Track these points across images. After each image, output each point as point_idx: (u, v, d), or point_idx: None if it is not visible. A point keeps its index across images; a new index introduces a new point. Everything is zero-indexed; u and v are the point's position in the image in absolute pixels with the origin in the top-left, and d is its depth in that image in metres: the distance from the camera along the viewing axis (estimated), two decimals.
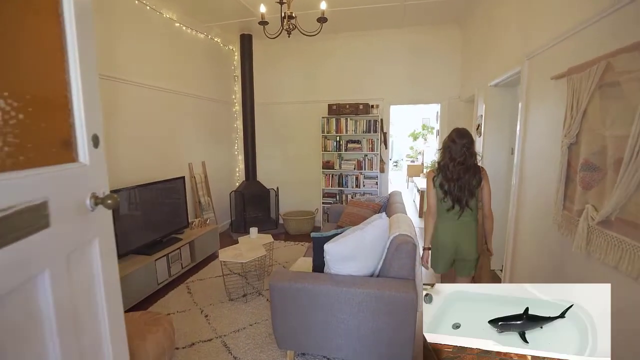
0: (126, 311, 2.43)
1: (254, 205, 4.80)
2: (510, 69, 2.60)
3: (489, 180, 1.87)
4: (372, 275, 1.83)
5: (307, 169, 5.02)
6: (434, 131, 6.36)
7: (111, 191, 2.46)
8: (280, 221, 4.88)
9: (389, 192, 3.37)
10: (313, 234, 1.91)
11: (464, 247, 1.90)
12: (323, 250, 1.74)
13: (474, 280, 2.05)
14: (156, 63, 3.43)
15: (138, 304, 2.61)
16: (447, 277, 2.14)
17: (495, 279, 2.98)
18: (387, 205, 2.96)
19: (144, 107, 3.29)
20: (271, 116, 5.07)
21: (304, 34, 2.42)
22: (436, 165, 1.93)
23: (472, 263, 1.94)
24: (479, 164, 1.87)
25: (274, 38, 2.47)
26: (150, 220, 3.03)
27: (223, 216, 4.83)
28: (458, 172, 1.80)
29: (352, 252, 1.71)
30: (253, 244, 2.97)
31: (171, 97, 3.67)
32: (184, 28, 3.85)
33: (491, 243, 1.99)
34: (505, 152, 3.14)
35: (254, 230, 3.18)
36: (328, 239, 1.86)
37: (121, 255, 2.63)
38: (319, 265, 1.90)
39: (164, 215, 3.23)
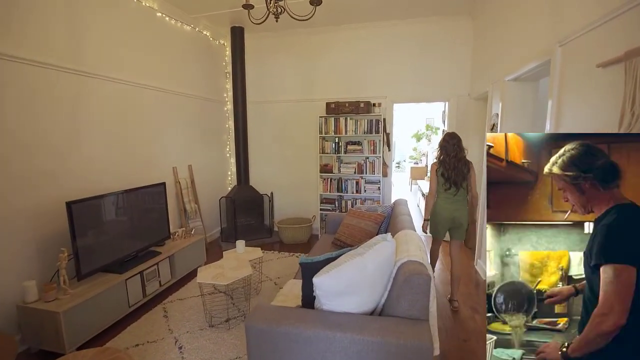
0: (83, 345, 2.10)
1: (246, 211, 4.45)
2: (533, 60, 2.24)
3: (474, 170, 2.58)
4: (373, 312, 1.47)
5: (304, 173, 4.66)
6: (439, 132, 6.00)
7: (75, 201, 2.11)
8: (275, 229, 4.53)
9: (393, 201, 3.01)
10: (301, 260, 1.55)
11: (458, 218, 2.55)
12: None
13: (465, 243, 2.70)
14: (135, 57, 3.08)
15: (102, 333, 2.26)
16: (439, 242, 2.74)
17: None
18: (391, 217, 2.60)
19: (121, 105, 2.94)
20: (265, 116, 4.72)
21: (293, 17, 2.07)
22: (437, 159, 2.62)
23: (464, 229, 2.60)
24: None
25: (259, 23, 2.12)
26: (123, 233, 2.68)
27: (213, 224, 4.48)
28: (453, 163, 2.52)
29: (349, 286, 1.35)
30: (239, 260, 2.62)
31: (153, 95, 3.33)
32: (167, 19, 3.51)
33: (476, 215, 2.68)
34: None
35: (240, 244, 2.83)
36: (319, 265, 1.50)
37: (85, 275, 2.28)
38: (308, 297, 1.54)
39: (141, 226, 2.88)
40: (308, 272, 1.55)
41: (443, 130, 4.52)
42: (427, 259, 1.55)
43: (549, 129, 1.99)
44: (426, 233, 2.76)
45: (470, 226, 2.62)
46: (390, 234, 1.48)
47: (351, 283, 1.35)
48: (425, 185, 5.35)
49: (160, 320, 2.47)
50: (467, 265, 3.46)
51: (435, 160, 2.65)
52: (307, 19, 2.10)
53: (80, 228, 2.25)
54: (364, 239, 2.57)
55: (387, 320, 1.35)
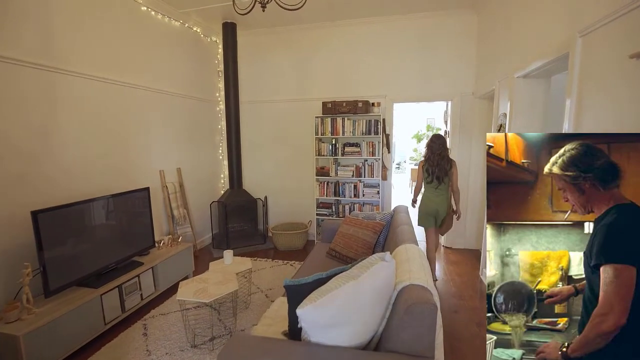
0: None
1: (239, 216, 4.24)
2: (547, 54, 2.03)
3: (457, 167, 2.91)
4: (369, 343, 1.26)
5: (300, 176, 4.45)
6: (440, 132, 5.78)
7: (41, 210, 1.89)
8: (270, 234, 4.32)
9: (393, 208, 2.80)
10: (286, 282, 1.34)
11: (440, 209, 2.91)
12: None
13: (439, 229, 3.02)
14: (116, 54, 2.88)
15: (72, 355, 2.05)
16: (431, 232, 3.02)
17: None
18: (391, 227, 2.39)
19: (101, 105, 2.74)
20: (260, 116, 4.51)
21: (282, 7, 1.86)
22: (424, 157, 2.96)
23: (441, 219, 2.94)
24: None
25: (245, 14, 1.91)
26: (101, 243, 2.48)
27: (204, 230, 4.27)
28: (437, 160, 2.85)
29: (341, 316, 1.14)
30: (225, 273, 2.41)
31: (138, 94, 3.12)
32: (153, 13, 3.30)
33: (459, 208, 3.00)
34: None
35: (228, 254, 2.62)
36: (306, 289, 1.29)
37: (55, 291, 2.08)
38: (294, 326, 1.33)
39: (121, 235, 2.67)
40: (294, 296, 1.34)
41: (445, 132, 4.31)
42: (432, 280, 1.34)
43: (567, 130, 1.78)
44: (414, 207, 3.13)
45: (447, 216, 2.97)
46: (389, 253, 1.27)
47: (343, 312, 1.14)
48: None
49: (139, 339, 2.26)
50: (472, 275, 3.25)
51: (422, 158, 3.01)
52: (297, 9, 1.90)
53: (48, 240, 2.04)
54: (361, 250, 2.36)
55: (385, 357, 1.14)
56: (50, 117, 2.34)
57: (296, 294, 1.32)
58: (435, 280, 3.00)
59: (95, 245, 2.43)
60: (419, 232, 2.66)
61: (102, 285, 2.31)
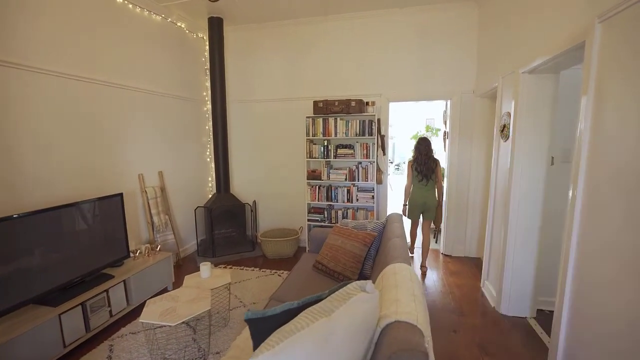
0: None
1: (226, 222, 4.02)
2: (558, 45, 1.80)
3: (440, 167, 3.29)
4: None
5: (291, 179, 4.23)
6: (439, 133, 5.57)
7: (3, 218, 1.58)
8: (259, 241, 4.09)
9: (387, 216, 2.57)
10: (247, 316, 1.11)
11: (428, 203, 3.28)
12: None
13: (434, 221, 3.36)
14: (88, 49, 2.65)
15: None
16: (416, 223, 3.52)
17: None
18: (383, 239, 2.16)
19: (67, 104, 2.51)
20: (249, 116, 4.29)
21: None
22: (413, 158, 3.36)
23: (432, 211, 3.30)
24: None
25: (214, 0, 1.68)
26: (65, 255, 2.25)
27: (190, 237, 4.04)
28: (425, 160, 3.24)
29: None
30: (199, 290, 2.18)
31: (114, 93, 2.90)
32: (131, 6, 3.08)
33: (441, 199, 3.33)
34: (542, 163, 2.32)
35: (205, 267, 2.39)
36: (272, 323, 1.07)
37: (5, 312, 1.85)
38: None
39: (90, 245, 2.45)
40: (257, 333, 1.11)
41: (445, 132, 4.08)
42: (425, 311, 1.11)
43: (583, 126, 1.54)
44: (405, 215, 3.37)
45: (437, 208, 3.33)
46: (370, 282, 1.04)
47: None
48: None
49: None
50: (473, 287, 3.02)
51: (410, 159, 3.40)
52: None
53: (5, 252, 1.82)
54: (350, 263, 2.13)
55: None
56: (4, 116, 2.11)
57: (261, 330, 1.09)
58: (423, 268, 3.42)
59: (58, 258, 2.20)
60: (406, 224, 2.99)
61: (62, 303, 2.08)
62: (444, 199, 3.80)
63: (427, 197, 3.27)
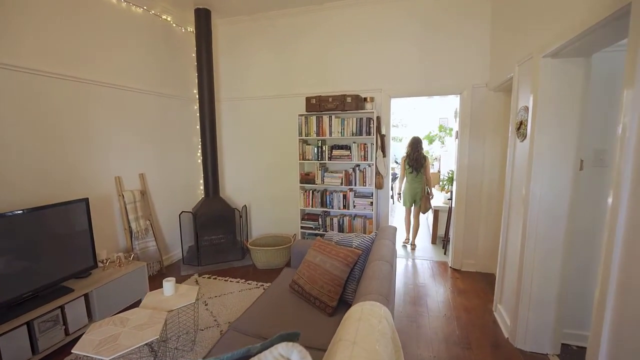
0: None
1: (214, 228, 3.75)
2: (590, 17, 1.39)
3: (429, 162, 4.03)
4: None
5: (284, 183, 3.92)
6: (453, 133, 5.11)
7: None
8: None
9: (379, 228, 2.20)
10: None
11: (417, 193, 4.00)
12: None
13: (420, 208, 4.08)
14: (56, 42, 2.44)
15: None
16: (409, 210, 4.16)
17: None
18: (368, 260, 1.79)
19: (34, 102, 2.31)
20: (240, 115, 4.02)
21: None
22: (406, 154, 4.07)
23: (420, 200, 4.04)
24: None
25: None
26: (14, 268, 2.02)
27: (176, 245, 3.81)
28: (415, 156, 3.96)
29: None
30: (156, 310, 1.90)
31: (89, 90, 2.68)
32: None
33: (431, 191, 4.04)
34: (568, 168, 1.90)
35: (168, 285, 2.11)
36: None
37: None
38: None
39: (47, 256, 2.22)
40: None
41: (456, 132, 3.66)
42: None
43: (626, 119, 1.14)
44: (400, 202, 4.20)
45: (424, 198, 4.00)
46: (298, 351, 0.70)
47: None
48: (437, 196, 4.73)
49: None
50: (483, 310, 2.60)
51: (404, 155, 4.06)
52: None
53: None
54: (327, 286, 1.79)
55: None
56: None
57: None
58: (413, 246, 4.08)
59: (6, 271, 1.98)
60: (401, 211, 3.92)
61: (2, 323, 1.85)
62: (452, 205, 3.43)
63: (416, 188, 3.97)
